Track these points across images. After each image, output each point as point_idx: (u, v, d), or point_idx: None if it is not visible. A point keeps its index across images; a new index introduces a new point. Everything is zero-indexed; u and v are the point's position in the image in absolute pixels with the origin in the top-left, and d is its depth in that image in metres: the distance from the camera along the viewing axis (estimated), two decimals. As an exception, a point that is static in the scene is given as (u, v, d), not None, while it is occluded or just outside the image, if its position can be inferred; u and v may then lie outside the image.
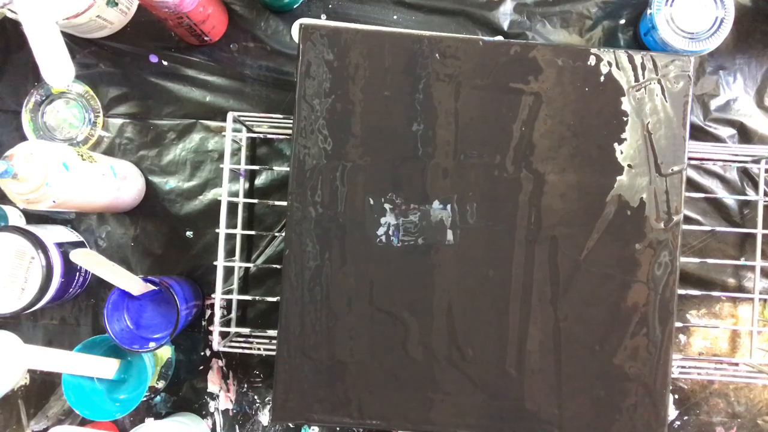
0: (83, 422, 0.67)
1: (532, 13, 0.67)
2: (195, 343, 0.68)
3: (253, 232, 0.66)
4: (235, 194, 0.66)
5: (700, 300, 0.67)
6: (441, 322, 0.53)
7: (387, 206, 0.54)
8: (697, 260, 0.64)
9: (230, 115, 0.61)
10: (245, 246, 0.67)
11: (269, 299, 0.65)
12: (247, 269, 0.68)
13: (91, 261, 0.56)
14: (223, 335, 0.63)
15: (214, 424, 0.67)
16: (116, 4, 0.64)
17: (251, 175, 0.68)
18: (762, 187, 0.65)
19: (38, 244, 0.58)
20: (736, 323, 0.67)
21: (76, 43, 0.67)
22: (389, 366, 0.53)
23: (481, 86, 0.53)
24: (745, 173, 0.67)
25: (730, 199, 0.66)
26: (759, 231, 0.64)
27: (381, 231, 0.54)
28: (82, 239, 0.67)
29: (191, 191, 0.68)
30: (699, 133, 0.66)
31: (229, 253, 0.65)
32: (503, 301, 0.53)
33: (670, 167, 0.53)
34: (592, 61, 0.53)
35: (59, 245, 0.61)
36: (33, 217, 0.68)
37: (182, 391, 0.68)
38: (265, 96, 0.68)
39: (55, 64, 0.52)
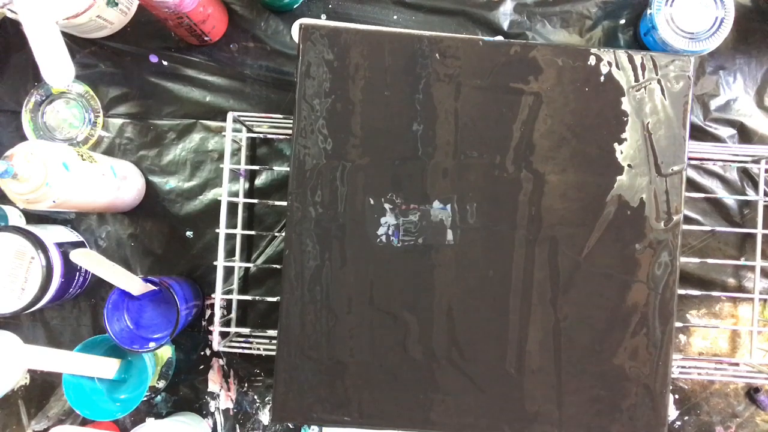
0: (84, 422, 0.67)
1: (532, 13, 0.67)
2: (195, 342, 0.68)
3: (253, 232, 0.66)
4: (235, 194, 0.66)
5: (700, 300, 0.67)
6: (441, 321, 0.53)
7: (387, 206, 0.54)
8: (697, 260, 0.64)
9: (230, 115, 0.61)
10: (245, 246, 0.67)
11: (269, 299, 0.65)
12: (247, 269, 0.68)
13: (91, 261, 0.56)
14: (223, 335, 0.63)
15: (214, 423, 0.67)
16: (116, 4, 0.64)
17: (251, 175, 0.68)
18: (762, 187, 0.65)
19: (38, 244, 0.58)
20: (736, 323, 0.67)
21: (76, 43, 0.67)
22: (389, 366, 0.53)
23: (481, 86, 0.53)
24: (745, 173, 0.67)
25: (730, 199, 0.66)
26: (759, 231, 0.64)
27: (381, 231, 0.54)
28: (82, 239, 0.67)
29: (191, 191, 0.68)
30: (699, 133, 0.66)
31: (229, 253, 0.65)
32: (503, 301, 0.53)
33: (670, 167, 0.53)
34: (592, 61, 0.53)
35: (59, 245, 0.61)
36: (33, 217, 0.68)
37: (183, 390, 0.68)
38: (265, 96, 0.68)
39: (55, 64, 0.52)
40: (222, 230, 0.61)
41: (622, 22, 0.67)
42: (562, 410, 0.53)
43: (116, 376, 0.62)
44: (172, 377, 0.67)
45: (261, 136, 0.66)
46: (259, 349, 0.63)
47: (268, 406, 0.68)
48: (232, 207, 0.65)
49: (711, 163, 0.66)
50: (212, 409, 0.68)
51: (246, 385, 0.68)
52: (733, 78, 0.67)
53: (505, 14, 0.67)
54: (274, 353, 0.54)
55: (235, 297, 0.64)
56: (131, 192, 0.65)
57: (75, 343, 0.62)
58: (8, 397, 0.68)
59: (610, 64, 0.53)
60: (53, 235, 0.62)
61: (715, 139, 0.66)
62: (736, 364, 0.65)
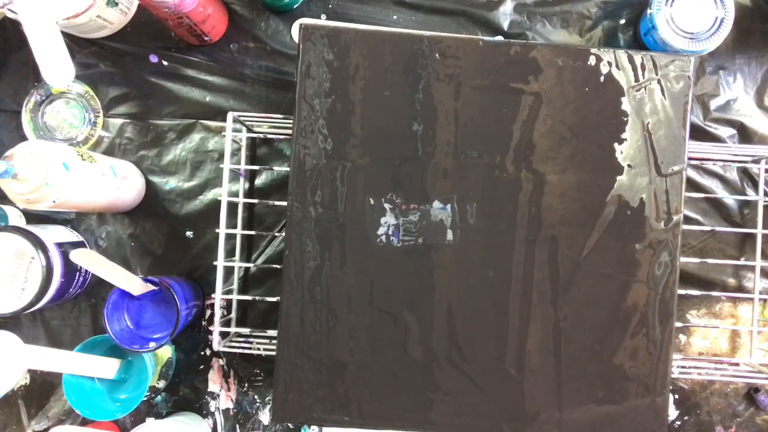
0: (84, 422, 0.67)
1: (532, 13, 0.67)
2: (195, 342, 0.68)
3: (253, 232, 0.66)
4: (235, 194, 0.66)
5: (700, 300, 0.67)
6: (441, 322, 0.53)
7: (387, 206, 0.54)
8: (697, 260, 0.64)
9: (230, 115, 0.61)
10: (245, 246, 0.67)
11: (269, 299, 0.65)
12: (247, 269, 0.68)
13: (91, 261, 0.56)
14: (223, 335, 0.63)
15: (214, 423, 0.67)
16: (116, 4, 0.64)
17: (251, 175, 0.68)
18: (762, 187, 0.65)
19: (38, 244, 0.58)
20: (736, 323, 0.67)
21: (76, 43, 0.67)
22: (389, 366, 0.53)
23: (481, 86, 0.53)
24: (745, 173, 0.67)
25: (730, 199, 0.66)
26: (759, 231, 0.64)
27: (381, 231, 0.54)
28: (82, 239, 0.67)
29: (191, 191, 0.68)
30: (699, 133, 0.66)
31: (229, 253, 0.65)
32: (503, 301, 0.53)
33: (670, 167, 0.53)
34: (592, 61, 0.53)
35: (59, 245, 0.61)
36: (33, 217, 0.68)
37: (183, 390, 0.68)
38: (265, 96, 0.68)
39: (55, 64, 0.52)
40: (222, 230, 0.61)
41: (622, 22, 0.67)
42: (562, 410, 0.53)
43: (116, 376, 0.62)
44: (172, 377, 0.67)
45: (261, 136, 0.66)
46: (259, 349, 0.63)
47: (268, 406, 0.68)
48: (232, 207, 0.65)
49: (711, 163, 0.66)
50: (212, 409, 0.68)
51: (246, 385, 0.68)
52: (733, 78, 0.67)
53: (505, 14, 0.67)
54: (274, 353, 0.54)
55: (235, 297, 0.64)
56: (131, 192, 0.65)
57: (75, 343, 0.62)
58: (8, 397, 0.68)
59: (610, 64, 0.53)
60: (53, 235, 0.62)
61: (715, 139, 0.66)
62: (736, 364, 0.65)
